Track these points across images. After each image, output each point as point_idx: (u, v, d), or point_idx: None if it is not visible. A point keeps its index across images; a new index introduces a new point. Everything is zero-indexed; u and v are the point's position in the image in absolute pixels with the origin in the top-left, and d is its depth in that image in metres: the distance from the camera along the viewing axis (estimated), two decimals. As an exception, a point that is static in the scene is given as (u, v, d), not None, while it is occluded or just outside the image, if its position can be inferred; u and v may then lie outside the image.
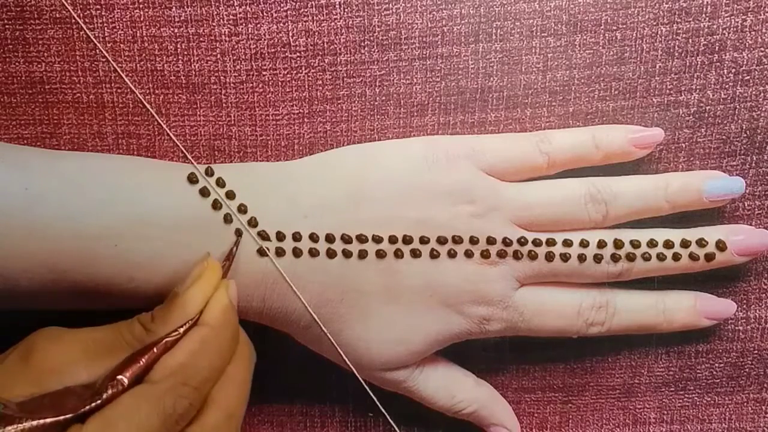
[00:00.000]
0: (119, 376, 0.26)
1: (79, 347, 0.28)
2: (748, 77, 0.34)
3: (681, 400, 0.37)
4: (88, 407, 0.26)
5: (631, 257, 0.33)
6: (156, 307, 0.29)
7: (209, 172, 0.32)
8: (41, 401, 0.26)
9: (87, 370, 0.27)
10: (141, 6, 0.34)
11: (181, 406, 0.26)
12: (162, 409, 0.26)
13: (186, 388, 0.27)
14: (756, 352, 0.36)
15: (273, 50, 0.35)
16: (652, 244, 0.33)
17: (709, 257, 0.33)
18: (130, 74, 0.35)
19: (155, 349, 0.27)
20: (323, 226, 0.32)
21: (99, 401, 0.26)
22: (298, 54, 0.35)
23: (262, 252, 0.32)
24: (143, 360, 0.27)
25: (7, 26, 0.35)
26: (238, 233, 0.31)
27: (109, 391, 0.26)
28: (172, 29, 0.35)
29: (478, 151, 0.33)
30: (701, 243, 0.33)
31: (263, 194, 0.32)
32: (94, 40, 0.34)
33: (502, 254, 0.32)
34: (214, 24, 0.34)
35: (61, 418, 0.25)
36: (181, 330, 0.28)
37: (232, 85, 0.35)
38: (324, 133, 0.35)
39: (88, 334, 0.29)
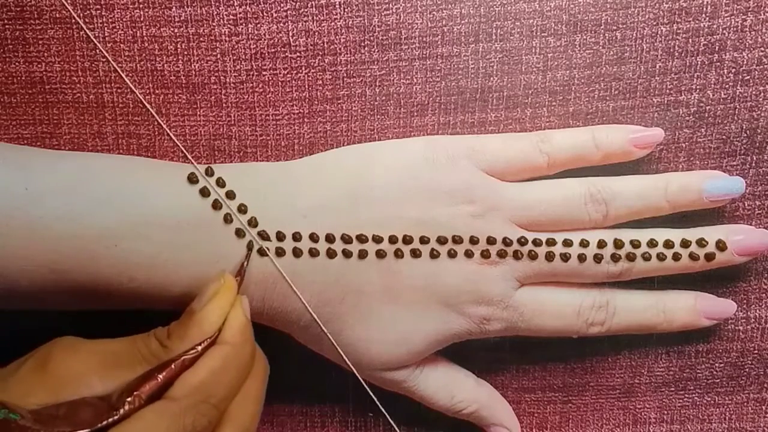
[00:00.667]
0: (137, 392, 0.26)
1: (96, 358, 0.28)
2: (748, 77, 0.34)
3: (681, 400, 0.37)
4: (105, 422, 0.25)
5: (631, 257, 0.33)
6: (172, 323, 0.29)
7: (209, 172, 0.32)
8: (56, 412, 0.26)
9: (102, 381, 0.27)
10: (141, 6, 0.34)
11: (200, 423, 0.26)
12: (182, 426, 0.26)
13: (206, 406, 0.27)
14: (756, 352, 0.36)
15: (273, 50, 0.35)
16: (652, 244, 0.33)
17: (709, 257, 0.33)
18: (130, 74, 0.35)
19: (173, 366, 0.27)
20: (323, 226, 0.32)
21: (117, 416, 0.26)
22: (298, 54, 0.35)
23: (262, 252, 0.32)
24: (161, 377, 0.27)
25: (7, 26, 0.35)
26: (249, 246, 0.31)
27: (127, 407, 0.26)
28: (172, 29, 0.35)
29: (478, 151, 0.33)
30: (701, 243, 0.33)
31: (263, 194, 0.32)
32: (94, 40, 0.34)
33: (502, 254, 0.32)
34: (214, 24, 0.34)
35: None
36: (200, 348, 0.28)
37: (232, 85, 0.35)
38: (324, 133, 0.35)
39: (104, 345, 0.29)
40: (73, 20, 0.34)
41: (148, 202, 0.31)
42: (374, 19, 0.34)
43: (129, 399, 0.26)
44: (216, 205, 0.32)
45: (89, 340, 0.29)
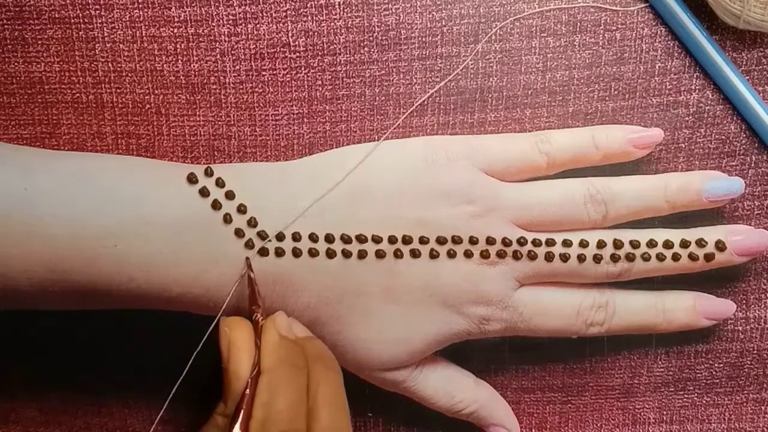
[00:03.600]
0: None
1: None
2: (748, 77, 0.34)
3: (680, 400, 0.37)
4: None
5: (630, 257, 0.33)
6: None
7: (209, 173, 0.32)
8: None
9: None
10: (141, 6, 0.34)
11: None
12: None
13: None
14: (755, 352, 0.36)
15: (273, 50, 0.35)
16: (651, 244, 0.33)
17: (709, 257, 0.33)
18: (130, 74, 0.35)
19: (237, 417, 0.28)
20: (323, 226, 0.32)
21: None
22: (297, 54, 0.35)
23: (261, 252, 0.32)
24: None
25: (6, 26, 0.35)
26: (247, 258, 0.31)
27: None
28: (171, 29, 0.35)
29: (477, 151, 0.33)
30: (701, 243, 0.33)
31: (263, 194, 0.32)
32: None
33: (501, 254, 0.32)
34: (213, 24, 0.34)
35: None
36: (248, 389, 0.28)
37: (231, 85, 0.35)
38: (324, 133, 0.35)
39: None
40: (72, 20, 0.34)
41: (147, 202, 0.31)
42: (374, 19, 0.34)
43: None
44: (215, 205, 0.31)
45: None
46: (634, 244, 0.33)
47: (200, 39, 0.35)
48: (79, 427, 0.38)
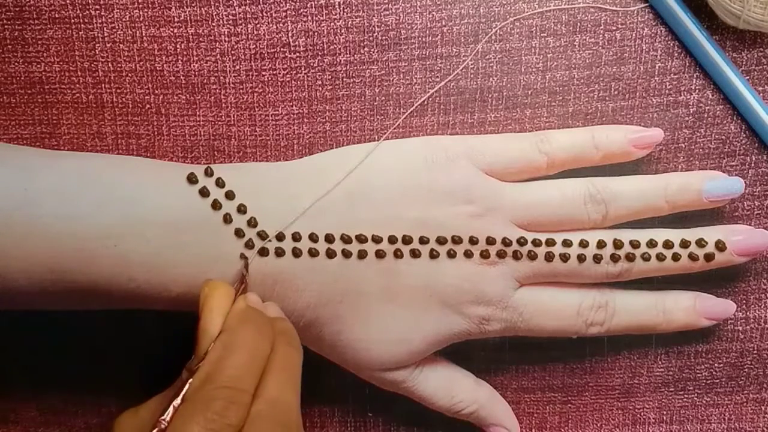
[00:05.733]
0: (161, 418, 0.27)
1: (150, 416, 0.28)
2: (748, 77, 0.34)
3: (680, 400, 0.37)
4: None
5: (630, 257, 0.33)
6: None
7: (209, 173, 0.32)
8: None
9: None
10: (141, 6, 0.34)
11: (222, 407, 0.26)
12: (202, 418, 0.25)
13: (218, 390, 0.26)
14: (755, 352, 0.36)
15: (273, 50, 0.35)
16: (651, 244, 0.33)
17: (709, 257, 0.33)
18: (130, 74, 0.35)
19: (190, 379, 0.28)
20: (323, 226, 0.32)
21: None
22: (297, 54, 0.35)
23: (261, 252, 0.32)
24: (181, 393, 0.27)
25: (6, 26, 0.35)
26: (244, 256, 0.31)
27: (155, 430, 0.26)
28: (171, 29, 0.35)
29: (477, 151, 0.33)
30: (701, 243, 0.33)
31: (263, 194, 0.32)
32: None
33: (501, 254, 0.32)
34: (213, 24, 0.34)
35: None
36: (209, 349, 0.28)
37: (231, 85, 0.35)
38: (324, 133, 0.35)
39: (154, 404, 0.28)
40: (73, 20, 0.34)
41: (147, 202, 0.31)
42: (374, 19, 0.34)
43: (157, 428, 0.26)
44: (215, 205, 0.32)
45: (141, 405, 0.28)
46: (634, 244, 0.33)
47: (200, 39, 0.35)
48: (79, 427, 0.38)
